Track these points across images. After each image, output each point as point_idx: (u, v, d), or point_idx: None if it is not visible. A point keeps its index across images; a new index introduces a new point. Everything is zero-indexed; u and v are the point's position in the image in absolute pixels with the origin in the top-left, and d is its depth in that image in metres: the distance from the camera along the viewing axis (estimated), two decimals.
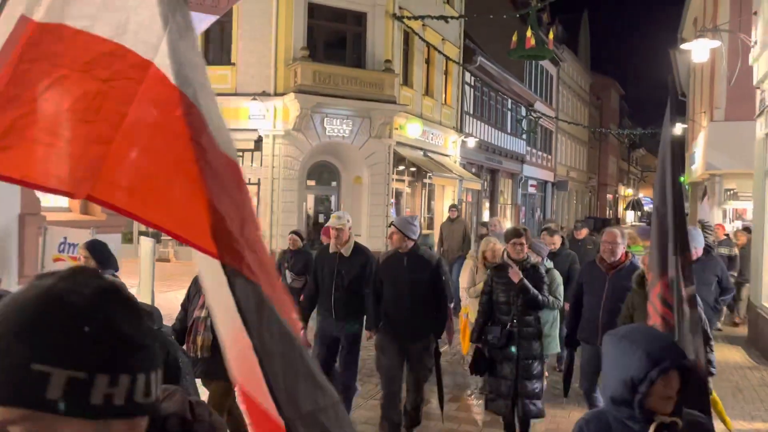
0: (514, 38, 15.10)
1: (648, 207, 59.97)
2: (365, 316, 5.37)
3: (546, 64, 35.26)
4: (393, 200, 19.33)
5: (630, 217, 63.96)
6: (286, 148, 17.31)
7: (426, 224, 21.76)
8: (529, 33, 14.80)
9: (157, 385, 0.83)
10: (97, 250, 4.59)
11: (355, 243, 5.45)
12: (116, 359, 0.77)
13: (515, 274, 4.94)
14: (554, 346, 6.37)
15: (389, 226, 4.91)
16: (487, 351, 5.09)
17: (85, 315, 0.77)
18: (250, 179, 17.09)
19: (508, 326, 4.98)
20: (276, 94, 16.98)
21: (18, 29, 1.30)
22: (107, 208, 1.24)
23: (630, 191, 68.89)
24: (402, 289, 5.00)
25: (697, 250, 5.40)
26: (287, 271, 7.57)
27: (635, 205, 66.18)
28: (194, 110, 1.26)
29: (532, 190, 35.30)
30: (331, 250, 5.39)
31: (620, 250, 5.09)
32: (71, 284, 0.80)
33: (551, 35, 24.47)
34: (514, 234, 5.26)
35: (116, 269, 4.72)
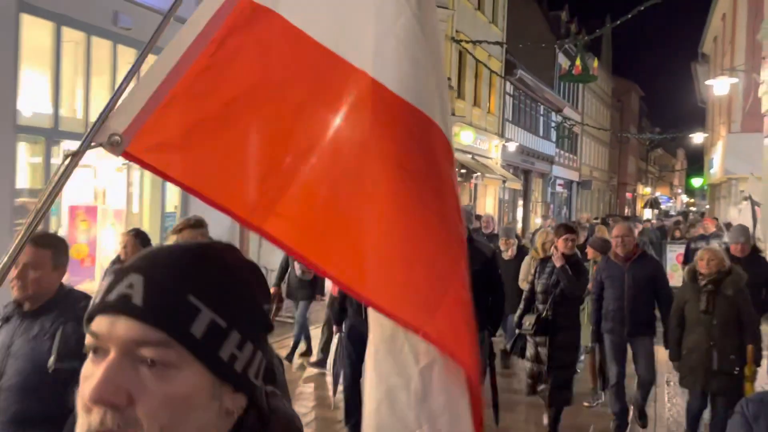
0: (565, 65, 17.90)
1: (665, 205, 62.20)
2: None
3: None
4: None
5: (648, 214, 66.28)
6: None
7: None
8: (577, 62, 17.64)
9: (261, 370, 0.83)
10: (143, 237, 4.96)
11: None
12: (249, 325, 0.80)
13: (558, 259, 5.25)
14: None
15: None
16: (529, 338, 5.34)
17: (239, 274, 0.82)
18: None
19: (543, 314, 5.22)
20: None
21: (229, 2, 1.25)
22: (275, 245, 1.15)
23: (648, 190, 71.19)
24: None
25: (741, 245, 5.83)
26: (295, 263, 7.12)
27: (653, 203, 68.33)
28: (426, 126, 1.18)
29: (559, 188, 38.07)
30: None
31: (630, 242, 5.43)
32: (225, 247, 0.86)
33: (596, 63, 27.23)
34: (567, 229, 5.56)
35: None
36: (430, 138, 1.19)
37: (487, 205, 25.92)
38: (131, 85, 1.28)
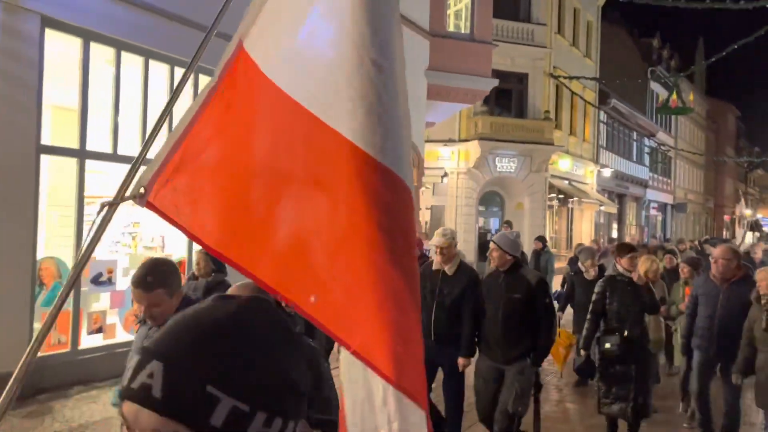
0: (661, 97, 19.17)
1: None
2: (462, 341, 4.90)
3: (664, 94, 38.32)
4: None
5: (748, 238, 63.85)
6: (466, 182, 22.16)
7: (565, 244, 25.83)
8: (674, 96, 18.93)
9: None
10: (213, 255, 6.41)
11: (461, 262, 5.11)
12: (277, 401, 0.78)
13: (640, 278, 5.42)
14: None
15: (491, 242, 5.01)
16: (601, 358, 5.27)
17: (262, 349, 0.79)
18: (432, 206, 22.05)
19: (625, 333, 5.19)
20: (460, 141, 21.89)
21: (234, 54, 1.40)
22: (266, 290, 1.25)
23: (748, 212, 68.61)
24: (496, 308, 4.72)
25: None
26: None
27: (753, 225, 65.72)
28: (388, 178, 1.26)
29: (653, 212, 38.34)
30: (434, 267, 5.06)
31: (728, 264, 5.38)
32: (254, 313, 0.83)
33: (691, 97, 28.12)
34: (630, 249, 5.62)
35: (226, 273, 5.22)
36: (379, 180, 1.27)
37: (584, 228, 27.08)
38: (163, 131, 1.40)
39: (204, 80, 1.86)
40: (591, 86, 26.97)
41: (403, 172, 1.32)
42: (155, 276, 2.72)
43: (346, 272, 1.20)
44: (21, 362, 1.22)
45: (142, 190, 1.32)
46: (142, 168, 1.39)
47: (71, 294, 6.30)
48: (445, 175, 22.21)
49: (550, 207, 24.65)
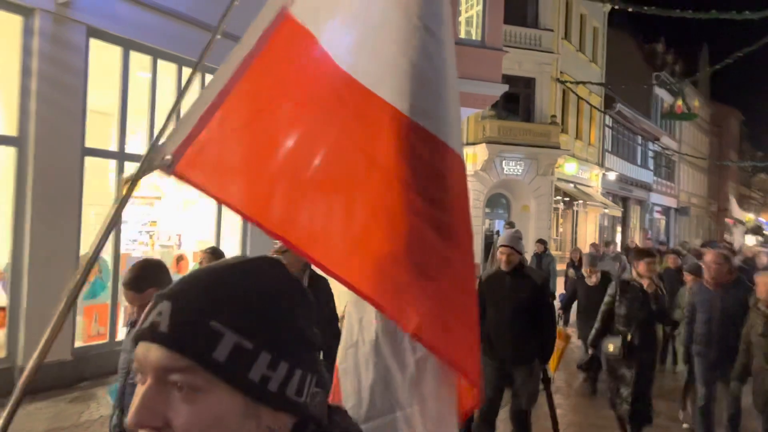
0: (666, 105, 19.55)
1: None
2: None
3: (669, 99, 38.70)
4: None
5: (750, 241, 64.15)
6: (473, 185, 22.50)
7: (570, 246, 26.16)
8: (679, 102, 19.28)
9: (309, 388, 0.83)
10: (219, 255, 4.91)
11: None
12: (283, 344, 0.79)
13: (650, 285, 5.41)
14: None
15: (501, 246, 4.95)
16: (605, 359, 5.46)
17: (268, 293, 0.81)
18: None
19: (628, 338, 5.28)
20: (468, 144, 22.26)
21: (276, 21, 1.36)
22: (296, 253, 1.27)
23: (751, 216, 68.88)
24: (503, 309, 4.70)
25: None
26: None
27: (755, 229, 66.07)
28: (436, 146, 1.28)
29: (657, 215, 38.67)
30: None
31: (720, 269, 5.38)
32: (263, 265, 0.85)
33: (696, 103, 28.48)
34: (648, 254, 5.69)
35: None
36: (435, 155, 1.28)
37: (588, 231, 27.42)
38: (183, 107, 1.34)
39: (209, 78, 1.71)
40: (597, 91, 27.32)
41: (452, 141, 1.33)
42: (146, 276, 2.74)
43: (398, 244, 1.19)
44: (37, 351, 1.28)
45: (168, 159, 1.27)
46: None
47: (110, 287, 6.59)
48: None
49: (555, 210, 25.01)
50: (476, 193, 22.69)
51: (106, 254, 7.24)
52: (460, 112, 1.40)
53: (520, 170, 22.70)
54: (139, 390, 0.77)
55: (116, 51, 7.13)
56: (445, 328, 1.25)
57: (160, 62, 7.66)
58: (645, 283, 5.43)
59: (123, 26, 6.95)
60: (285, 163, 1.30)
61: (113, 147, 7.34)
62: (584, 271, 7.79)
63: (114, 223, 1.30)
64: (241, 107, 1.31)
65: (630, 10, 10.90)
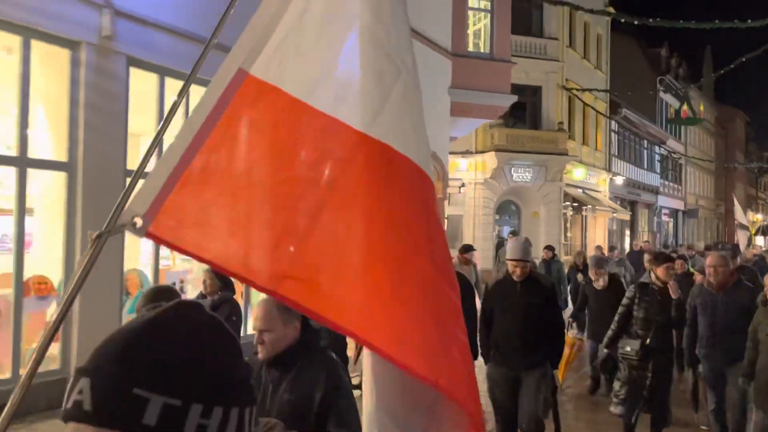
0: (672, 110, 19.94)
1: None
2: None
3: (674, 102, 39.02)
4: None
5: (760, 241, 64.13)
6: (483, 192, 22.91)
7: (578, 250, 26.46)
8: (685, 107, 19.66)
9: (250, 421, 0.83)
10: (220, 274, 4.65)
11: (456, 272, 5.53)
12: (211, 391, 0.79)
13: (675, 291, 5.36)
14: None
15: (514, 260, 4.81)
16: (621, 360, 5.44)
17: (186, 345, 0.81)
18: (449, 216, 22.78)
19: (647, 341, 5.26)
20: (477, 152, 22.66)
21: (235, 82, 1.35)
22: (290, 305, 1.25)
23: (759, 216, 68.84)
24: (515, 315, 4.68)
25: None
26: None
27: (765, 229, 65.97)
28: (419, 176, 1.28)
29: (665, 218, 38.92)
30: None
31: (723, 272, 5.41)
32: (174, 316, 0.84)
33: (702, 107, 28.84)
34: (667, 259, 5.69)
35: (234, 291, 5.29)
36: (423, 187, 1.30)
37: (597, 235, 27.71)
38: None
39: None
40: (602, 97, 27.69)
41: (428, 168, 1.35)
42: (159, 301, 2.79)
43: (405, 290, 1.16)
44: (27, 369, 1.27)
45: (139, 221, 1.26)
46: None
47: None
48: (463, 185, 22.95)
49: (564, 215, 25.35)
50: (486, 201, 23.07)
51: (147, 269, 7.65)
52: (425, 133, 1.40)
53: (529, 177, 23.08)
54: None
55: (153, 78, 7.56)
56: (460, 373, 1.21)
57: (192, 87, 8.07)
58: (671, 288, 5.42)
59: (159, 55, 7.38)
60: (275, 216, 1.27)
61: (150, 168, 7.73)
62: (591, 274, 7.76)
63: (81, 282, 1.26)
64: (210, 164, 1.31)
65: (636, 23, 11.28)
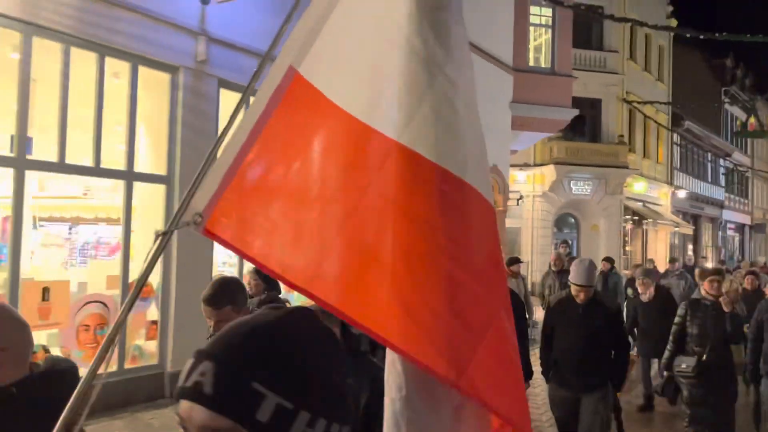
0: (739, 123, 19.57)
1: None
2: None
3: (739, 113, 37.89)
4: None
5: None
6: (541, 205, 22.93)
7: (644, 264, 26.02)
8: (752, 120, 19.31)
9: None
10: (265, 275, 4.88)
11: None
12: (321, 402, 0.82)
13: (727, 304, 5.33)
14: None
15: (578, 286, 4.68)
16: (682, 381, 5.35)
17: (307, 352, 0.84)
18: (507, 228, 22.87)
19: (703, 357, 5.20)
20: (535, 165, 22.74)
21: (285, 80, 1.39)
22: (319, 304, 1.26)
23: None
24: (576, 336, 4.62)
25: None
26: None
27: None
28: (458, 186, 1.26)
29: (730, 232, 37.70)
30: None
31: None
32: (299, 320, 0.88)
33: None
34: (713, 272, 5.70)
35: (280, 291, 5.37)
36: (463, 198, 1.28)
37: (659, 249, 27.19)
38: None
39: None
40: (664, 109, 27.28)
41: (484, 189, 1.32)
42: (224, 293, 2.90)
43: (429, 292, 1.17)
44: (91, 365, 1.28)
45: (198, 218, 1.31)
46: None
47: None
48: (521, 198, 23.03)
49: (624, 228, 25.03)
50: (545, 214, 23.09)
51: (236, 273, 8.22)
52: (485, 155, 1.40)
53: (589, 190, 22.97)
54: None
55: (239, 98, 8.17)
56: (489, 376, 1.21)
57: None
58: (723, 302, 5.37)
59: (246, 75, 7.99)
60: (309, 217, 1.30)
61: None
62: (637, 284, 7.59)
63: (146, 277, 1.33)
64: (260, 166, 1.35)
65: (701, 37, 11.29)
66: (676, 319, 5.53)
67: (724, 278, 5.82)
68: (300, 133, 1.37)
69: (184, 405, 0.80)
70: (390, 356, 1.31)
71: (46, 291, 6.19)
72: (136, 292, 1.33)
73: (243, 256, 1.34)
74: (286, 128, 1.37)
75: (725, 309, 5.32)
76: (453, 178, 1.27)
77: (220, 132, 1.49)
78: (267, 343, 0.83)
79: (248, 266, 9.08)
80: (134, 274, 7.09)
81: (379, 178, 1.28)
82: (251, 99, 1.53)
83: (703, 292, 5.55)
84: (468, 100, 1.37)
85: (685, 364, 5.25)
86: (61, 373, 1.79)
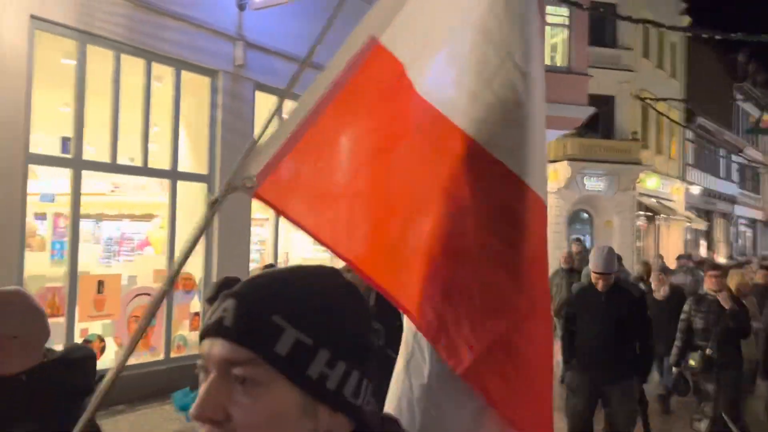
0: (752, 120, 19.73)
1: None
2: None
3: (751, 109, 37.89)
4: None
5: None
6: (555, 201, 23.15)
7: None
8: (765, 116, 19.48)
9: (366, 392, 0.84)
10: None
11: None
12: (341, 344, 0.81)
13: (726, 300, 5.30)
14: None
15: (597, 273, 4.60)
16: (690, 375, 5.41)
17: (326, 295, 0.84)
18: None
19: (707, 351, 5.22)
20: (549, 162, 22.96)
21: (365, 49, 1.34)
22: (361, 277, 1.25)
23: None
24: (599, 325, 4.54)
25: None
26: None
27: None
28: (508, 180, 1.23)
29: (743, 228, 37.76)
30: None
31: None
32: (319, 271, 0.89)
33: None
34: (713, 267, 5.75)
35: None
36: (516, 197, 1.26)
37: (671, 245, 27.36)
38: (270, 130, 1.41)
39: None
40: (676, 105, 27.42)
41: (534, 182, 1.29)
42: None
43: (470, 282, 1.15)
44: (120, 358, 1.25)
45: (250, 181, 1.28)
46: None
47: None
48: None
49: (637, 225, 25.24)
50: (558, 210, 23.33)
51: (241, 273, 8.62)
52: (545, 152, 1.36)
53: (602, 186, 23.18)
54: (203, 384, 0.79)
55: (274, 100, 8.54)
56: (505, 378, 1.17)
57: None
58: (720, 297, 5.35)
59: (280, 79, 8.35)
60: (362, 191, 1.29)
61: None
62: (653, 280, 7.41)
63: (196, 241, 1.29)
64: (327, 134, 1.31)
65: (717, 38, 11.49)
66: (682, 315, 5.57)
67: (725, 273, 5.80)
68: (375, 103, 1.33)
69: (206, 343, 0.81)
70: (414, 342, 1.28)
71: (100, 284, 6.59)
72: (183, 259, 1.29)
73: (296, 225, 1.28)
74: (364, 96, 1.32)
75: (724, 305, 5.30)
76: (509, 176, 1.26)
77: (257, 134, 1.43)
78: (288, 283, 0.84)
79: (283, 258, 9.44)
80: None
81: (438, 165, 1.27)
82: (286, 104, 1.59)
83: (707, 287, 5.60)
84: (536, 93, 1.34)
85: (691, 360, 5.27)
86: (76, 361, 1.77)
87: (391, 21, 1.33)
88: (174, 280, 1.28)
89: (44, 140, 6.64)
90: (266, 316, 0.78)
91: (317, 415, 0.79)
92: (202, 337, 0.82)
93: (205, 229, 1.31)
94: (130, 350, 1.26)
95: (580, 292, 4.89)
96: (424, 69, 1.33)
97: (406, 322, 1.33)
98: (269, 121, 1.44)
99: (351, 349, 0.82)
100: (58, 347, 1.92)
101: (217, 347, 0.78)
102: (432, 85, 1.31)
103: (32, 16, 5.86)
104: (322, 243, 1.28)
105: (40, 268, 6.41)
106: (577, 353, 4.70)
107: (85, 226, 6.76)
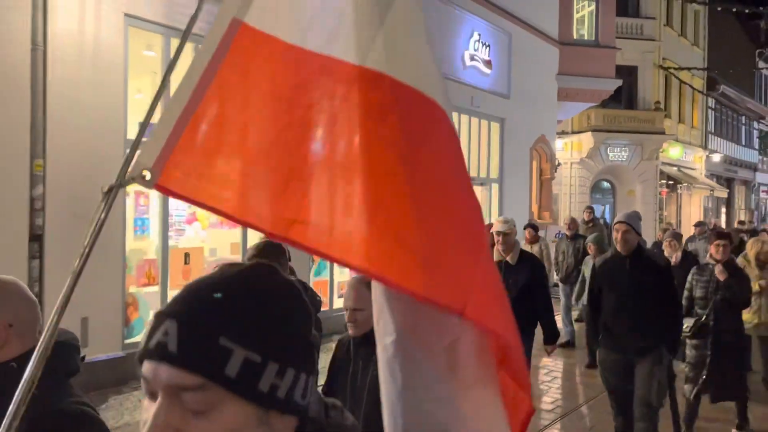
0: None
1: None
2: (543, 329, 5.11)
3: None
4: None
5: None
6: (579, 171, 23.59)
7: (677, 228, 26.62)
8: None
9: (311, 390, 0.86)
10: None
11: (521, 250, 5.27)
12: (288, 352, 0.81)
13: (721, 273, 5.28)
14: None
15: (616, 224, 4.57)
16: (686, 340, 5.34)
17: (273, 304, 0.83)
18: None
19: (703, 318, 5.26)
20: (573, 132, 23.34)
21: (230, 32, 1.30)
22: (301, 249, 1.17)
23: None
24: (624, 295, 4.43)
25: None
26: None
27: None
28: (430, 109, 1.20)
29: (764, 195, 37.87)
30: (495, 258, 4.91)
31: None
32: (258, 275, 0.86)
33: None
34: (719, 236, 5.61)
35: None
36: (434, 118, 1.22)
37: (693, 213, 27.72)
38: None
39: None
40: (699, 73, 27.51)
41: (449, 110, 1.27)
42: (266, 256, 2.97)
43: (392, 210, 1.10)
44: (43, 336, 1.22)
45: (147, 173, 1.23)
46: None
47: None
48: (559, 164, 23.67)
49: (659, 194, 25.62)
50: (582, 180, 23.76)
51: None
52: (442, 78, 1.35)
53: (625, 156, 23.54)
54: (150, 408, 0.78)
55: None
56: (486, 299, 1.17)
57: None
58: (717, 269, 5.34)
59: None
60: (271, 161, 1.25)
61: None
62: (665, 246, 7.44)
63: (96, 236, 1.23)
64: (216, 115, 1.29)
65: (748, 12, 11.75)
66: (687, 284, 5.56)
67: (732, 242, 5.77)
68: (256, 80, 1.30)
69: (148, 366, 0.79)
70: (378, 303, 1.25)
71: (187, 256, 7.27)
72: (84, 254, 1.21)
73: (211, 210, 1.24)
74: (241, 77, 1.30)
75: (720, 277, 5.29)
76: (425, 99, 1.23)
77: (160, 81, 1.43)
78: (230, 298, 0.81)
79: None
80: (252, 241, 8.14)
81: (347, 108, 1.21)
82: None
83: (708, 257, 5.58)
84: (422, 19, 1.32)
85: (686, 324, 5.16)
86: (62, 345, 1.75)
87: (252, 1, 1.32)
88: (78, 274, 1.21)
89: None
90: (212, 339, 0.77)
91: (269, 421, 0.81)
92: (141, 359, 0.81)
93: (102, 221, 1.24)
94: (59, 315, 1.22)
95: (603, 263, 4.71)
96: (310, 28, 1.30)
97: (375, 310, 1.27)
98: (169, 74, 1.48)
99: (297, 354, 0.84)
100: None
101: (164, 372, 0.77)
102: (325, 41, 1.28)
103: (126, 14, 6.44)
104: (243, 222, 1.23)
105: (133, 244, 7.09)
106: (605, 326, 4.59)
107: (172, 204, 7.39)
